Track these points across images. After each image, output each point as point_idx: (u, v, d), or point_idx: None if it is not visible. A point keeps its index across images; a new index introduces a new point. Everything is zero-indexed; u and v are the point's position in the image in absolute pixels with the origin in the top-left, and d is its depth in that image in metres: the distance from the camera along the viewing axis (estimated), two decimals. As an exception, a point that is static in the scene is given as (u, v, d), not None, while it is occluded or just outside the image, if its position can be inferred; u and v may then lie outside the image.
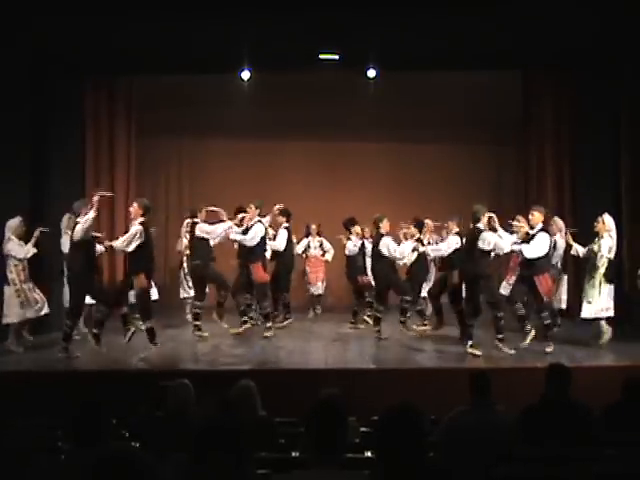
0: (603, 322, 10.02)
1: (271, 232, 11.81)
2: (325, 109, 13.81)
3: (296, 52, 11.43)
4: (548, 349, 9.41)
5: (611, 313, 9.99)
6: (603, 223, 10.11)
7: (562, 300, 10.81)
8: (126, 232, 9.99)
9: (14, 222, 10.09)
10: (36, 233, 10.18)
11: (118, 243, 9.70)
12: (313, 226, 13.31)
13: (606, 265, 10.03)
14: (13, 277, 10.01)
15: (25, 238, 10.15)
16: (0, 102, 10.75)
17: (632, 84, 11.63)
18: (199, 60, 11.73)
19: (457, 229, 10.79)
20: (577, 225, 11.45)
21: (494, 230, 9.73)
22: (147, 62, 11.90)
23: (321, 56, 11.65)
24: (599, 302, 9.97)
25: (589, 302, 10.03)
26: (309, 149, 14.77)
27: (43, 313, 10.26)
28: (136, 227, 9.47)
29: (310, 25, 10.46)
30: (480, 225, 9.57)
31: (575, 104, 12.80)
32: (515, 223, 10.22)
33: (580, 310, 10.19)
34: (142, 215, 9.59)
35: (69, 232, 10.73)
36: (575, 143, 12.87)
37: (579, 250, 10.41)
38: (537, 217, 9.73)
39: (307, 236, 13.32)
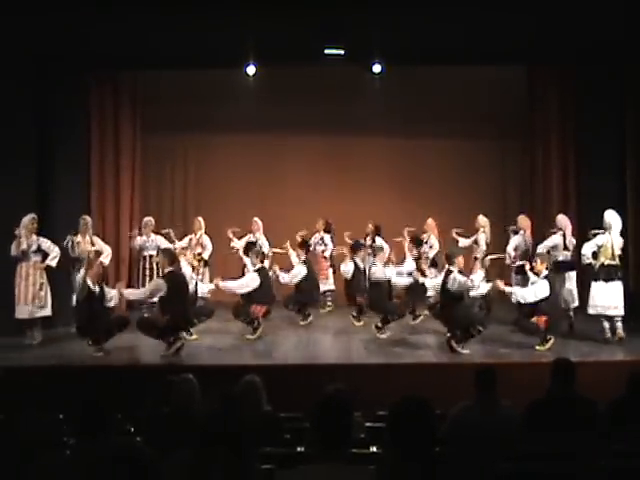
0: (605, 321, 10.06)
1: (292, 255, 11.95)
2: (330, 104, 13.80)
3: (301, 47, 11.39)
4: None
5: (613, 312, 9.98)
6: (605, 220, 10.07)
7: (574, 298, 10.74)
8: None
9: (24, 220, 10.13)
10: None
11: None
12: (321, 221, 13.23)
13: (589, 261, 10.03)
14: (17, 272, 10.09)
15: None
16: (4, 99, 10.76)
17: (636, 78, 11.59)
18: (204, 55, 11.71)
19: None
20: (582, 220, 11.43)
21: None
22: (152, 57, 11.87)
23: (326, 51, 11.61)
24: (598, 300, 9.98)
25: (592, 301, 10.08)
26: (314, 144, 14.74)
27: (40, 315, 10.25)
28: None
29: (315, 20, 10.43)
30: (452, 267, 9.63)
31: (580, 98, 12.75)
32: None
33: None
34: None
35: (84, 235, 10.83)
36: (580, 137, 12.83)
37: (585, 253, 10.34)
38: (540, 265, 9.73)
39: (315, 232, 13.25)
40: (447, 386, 7.54)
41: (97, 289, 9.56)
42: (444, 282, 9.66)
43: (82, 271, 9.59)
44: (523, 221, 11.46)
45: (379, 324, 10.50)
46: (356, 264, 11.53)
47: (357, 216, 13.37)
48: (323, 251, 13.22)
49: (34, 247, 10.20)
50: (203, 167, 15.04)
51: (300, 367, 8.91)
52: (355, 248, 11.76)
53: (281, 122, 14.10)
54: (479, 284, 9.78)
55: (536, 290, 9.47)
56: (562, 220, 10.96)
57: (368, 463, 3.54)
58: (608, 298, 9.92)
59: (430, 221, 12.60)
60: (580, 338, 10.05)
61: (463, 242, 12.14)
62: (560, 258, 10.71)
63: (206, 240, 12.37)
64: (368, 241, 12.62)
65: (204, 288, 10.92)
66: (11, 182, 10.82)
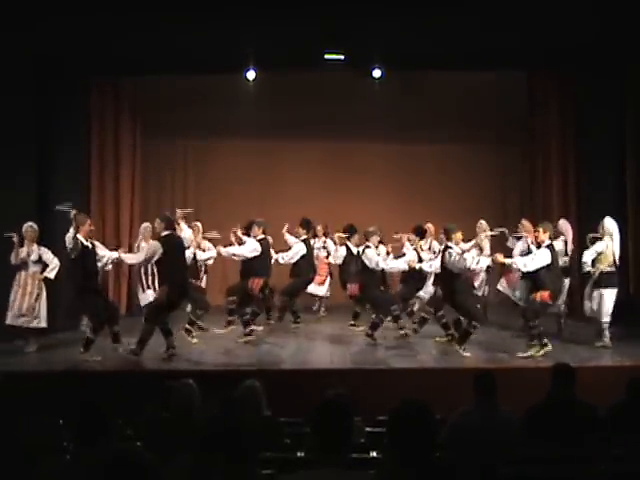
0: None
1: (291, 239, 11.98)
2: (330, 109, 13.81)
3: (301, 52, 11.43)
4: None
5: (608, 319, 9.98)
6: (602, 228, 10.05)
7: (564, 303, 10.74)
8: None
9: (24, 227, 10.14)
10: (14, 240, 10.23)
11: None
12: (319, 227, 13.20)
13: (585, 269, 10.03)
14: (15, 281, 10.10)
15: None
16: (5, 104, 10.78)
17: (636, 83, 11.61)
18: (204, 60, 11.74)
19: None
20: (582, 223, 11.44)
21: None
22: (152, 62, 11.90)
23: (326, 56, 11.64)
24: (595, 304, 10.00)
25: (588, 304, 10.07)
26: (314, 149, 14.76)
27: (33, 326, 10.20)
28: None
29: (315, 25, 10.46)
30: (450, 243, 9.71)
31: (580, 103, 12.77)
32: (523, 233, 10.24)
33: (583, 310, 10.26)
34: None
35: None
36: (580, 142, 12.85)
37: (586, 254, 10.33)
38: (542, 235, 9.70)
39: (313, 237, 13.19)
40: (447, 391, 7.53)
41: (90, 245, 9.53)
42: (442, 258, 9.67)
43: (71, 230, 9.49)
44: (526, 226, 11.46)
45: (369, 331, 10.40)
46: (349, 249, 11.43)
47: (356, 220, 13.34)
48: (327, 256, 13.19)
49: (34, 257, 10.17)
50: (203, 171, 15.05)
51: (300, 372, 8.91)
52: (348, 232, 11.71)
53: (281, 127, 14.11)
54: (478, 259, 9.72)
55: (537, 257, 9.42)
56: (563, 225, 10.97)
57: (368, 468, 3.54)
58: (606, 305, 9.93)
59: (430, 226, 12.59)
60: (579, 343, 10.05)
61: (461, 246, 12.09)
62: (560, 264, 10.71)
63: (207, 245, 12.38)
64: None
65: (204, 255, 10.95)
66: (11, 186, 10.82)
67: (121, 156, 13.48)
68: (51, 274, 10.27)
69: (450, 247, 9.63)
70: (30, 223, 10.22)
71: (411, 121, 14.16)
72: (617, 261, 10.02)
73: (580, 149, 12.85)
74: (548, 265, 9.36)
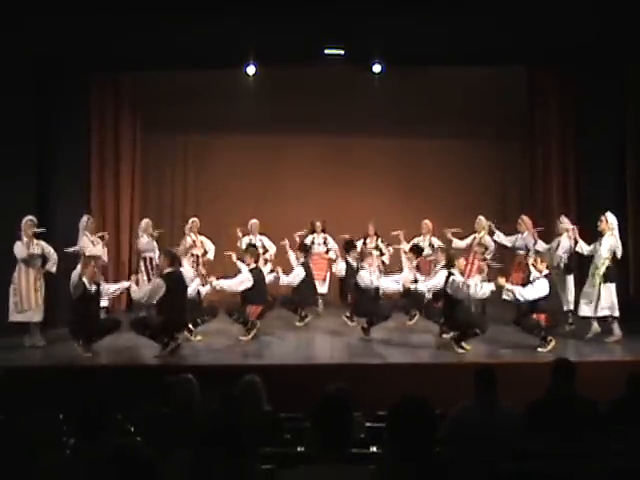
0: (596, 323, 10.10)
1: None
2: (330, 104, 13.78)
3: (301, 47, 11.40)
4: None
5: (609, 312, 9.99)
6: (606, 222, 10.08)
7: (569, 301, 10.76)
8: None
9: (23, 221, 10.12)
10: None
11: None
12: (317, 223, 13.19)
13: (606, 265, 10.02)
14: (15, 275, 10.08)
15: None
16: (5, 101, 10.77)
17: (636, 83, 11.59)
18: (204, 56, 11.72)
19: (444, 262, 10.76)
20: (582, 221, 11.44)
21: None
22: (152, 58, 11.88)
23: (326, 51, 11.62)
24: (599, 301, 9.98)
25: (588, 302, 10.06)
26: (314, 144, 14.75)
27: (34, 320, 10.18)
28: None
29: (315, 20, 10.44)
30: (453, 270, 9.69)
31: (580, 102, 12.75)
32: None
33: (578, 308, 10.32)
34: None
35: (87, 233, 10.82)
36: (580, 139, 12.83)
37: (583, 248, 10.38)
38: (541, 264, 9.73)
39: (312, 233, 13.19)
40: (447, 386, 7.54)
41: (93, 289, 9.57)
42: (445, 285, 9.67)
43: (78, 268, 9.54)
44: (526, 222, 11.48)
45: (364, 325, 10.45)
46: (348, 263, 11.58)
47: (356, 216, 13.39)
48: (326, 252, 13.19)
49: (37, 251, 10.19)
50: (203, 167, 15.04)
51: (300, 367, 8.91)
52: (347, 247, 11.79)
53: (281, 122, 14.09)
54: (481, 285, 9.75)
55: (536, 288, 9.47)
56: (565, 222, 10.99)
57: (368, 463, 3.54)
58: (612, 299, 9.97)
59: (427, 222, 12.61)
60: (580, 338, 10.05)
61: (457, 243, 12.11)
62: (556, 261, 10.75)
63: (206, 240, 12.39)
64: (368, 243, 12.64)
65: (203, 290, 10.93)
66: (11, 183, 10.81)
67: (121, 152, 13.45)
68: (53, 268, 10.30)
69: (453, 274, 9.63)
70: (30, 217, 10.21)
71: (411, 116, 14.14)
72: (619, 256, 10.08)
73: (580, 146, 12.83)
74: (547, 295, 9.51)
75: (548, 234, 11.52)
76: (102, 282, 9.99)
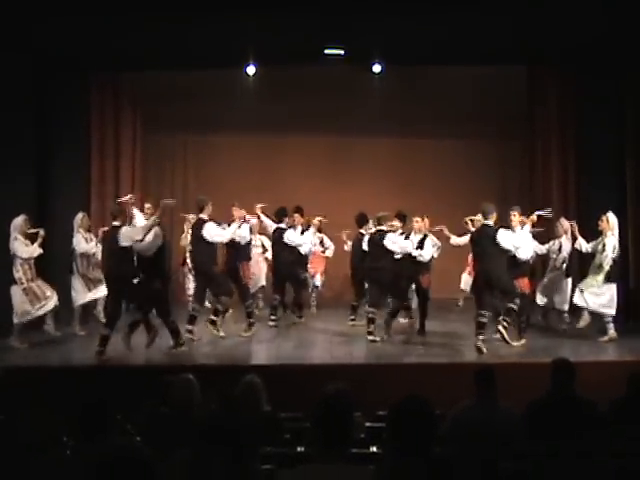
0: (587, 315, 10.14)
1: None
2: (330, 104, 13.79)
3: (301, 47, 11.41)
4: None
5: (614, 312, 9.99)
6: (607, 222, 10.09)
7: (565, 301, 10.75)
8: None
9: (18, 220, 10.08)
10: (41, 233, 10.18)
11: None
12: (315, 221, 13.15)
13: (611, 264, 10.02)
14: (20, 276, 10.02)
15: (31, 236, 10.16)
16: (4, 100, 10.77)
17: (636, 80, 11.59)
18: (204, 55, 11.73)
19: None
20: (582, 221, 11.43)
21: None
22: (152, 57, 11.89)
23: (326, 51, 11.63)
24: (599, 298, 9.98)
25: (583, 293, 10.06)
26: (314, 144, 14.75)
27: (53, 306, 10.21)
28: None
29: (315, 20, 10.44)
30: (489, 222, 9.46)
31: (580, 100, 12.75)
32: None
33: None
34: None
35: (82, 231, 10.80)
36: (580, 139, 12.83)
37: (582, 245, 10.38)
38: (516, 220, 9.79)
39: (307, 228, 13.13)
40: (447, 386, 7.53)
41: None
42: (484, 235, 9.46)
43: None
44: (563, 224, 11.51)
45: (369, 329, 10.32)
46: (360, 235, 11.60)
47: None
48: (323, 251, 13.22)
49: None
50: (203, 166, 15.05)
51: (300, 367, 8.91)
52: (359, 221, 11.74)
53: (281, 122, 14.10)
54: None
55: (517, 238, 9.46)
56: (565, 223, 10.99)
57: (368, 463, 3.54)
58: (613, 299, 9.98)
59: (425, 220, 12.58)
60: (579, 338, 10.05)
61: (456, 240, 12.08)
62: (559, 263, 10.75)
63: None
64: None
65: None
66: (11, 182, 10.81)
67: (121, 151, 13.46)
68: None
69: (490, 225, 9.42)
70: (24, 216, 10.19)
71: (411, 116, 14.14)
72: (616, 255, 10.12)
73: (580, 144, 12.82)
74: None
75: (547, 235, 11.52)
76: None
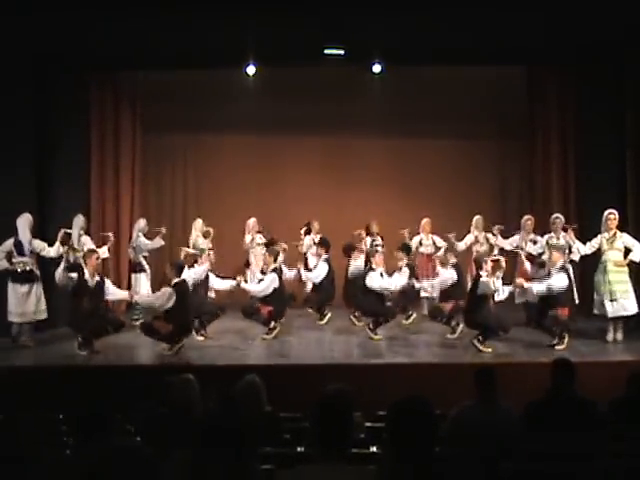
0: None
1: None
2: (330, 104, 13.78)
3: (301, 47, 11.41)
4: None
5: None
6: (616, 218, 10.06)
7: None
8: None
9: (29, 218, 10.10)
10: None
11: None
12: (315, 224, 13.15)
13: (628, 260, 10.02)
14: (39, 274, 10.11)
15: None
16: (4, 100, 10.76)
17: (636, 81, 11.59)
18: (204, 55, 11.71)
19: (454, 260, 10.78)
20: (582, 220, 11.44)
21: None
22: (152, 57, 11.89)
23: (326, 51, 11.61)
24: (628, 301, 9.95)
25: (613, 300, 9.98)
26: (314, 144, 14.73)
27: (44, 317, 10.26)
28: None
29: (315, 20, 10.43)
30: (482, 272, 9.68)
31: (580, 99, 12.75)
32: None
33: (601, 307, 10.14)
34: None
35: (82, 232, 10.80)
36: (580, 138, 12.82)
37: (580, 249, 10.32)
38: (556, 257, 9.73)
39: (308, 234, 13.13)
40: (447, 386, 7.54)
41: (94, 282, 9.57)
42: (474, 287, 9.71)
43: (61, 266, 9.61)
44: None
45: (371, 326, 10.44)
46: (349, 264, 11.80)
47: (356, 216, 13.38)
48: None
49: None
50: (203, 167, 15.02)
51: (300, 367, 8.92)
52: (347, 251, 11.81)
53: (281, 122, 14.08)
54: (503, 288, 9.72)
55: (553, 282, 9.48)
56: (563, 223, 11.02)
57: (368, 463, 3.54)
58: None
59: (428, 220, 12.58)
60: (579, 338, 10.04)
61: (459, 245, 12.09)
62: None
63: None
64: (369, 241, 12.62)
65: (224, 285, 10.97)
66: (10, 182, 10.81)
67: (120, 151, 13.44)
68: None
69: (481, 275, 9.65)
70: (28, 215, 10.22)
71: (411, 116, 14.13)
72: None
73: (580, 147, 12.82)
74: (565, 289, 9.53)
75: (543, 228, 11.53)
76: (106, 279, 10.00)
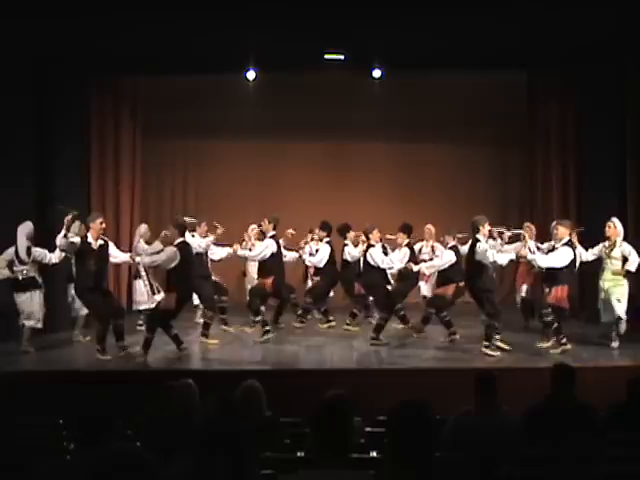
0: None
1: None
2: (330, 109, 13.81)
3: (301, 52, 11.43)
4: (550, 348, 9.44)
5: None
6: (615, 227, 10.06)
7: None
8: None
9: (29, 227, 10.09)
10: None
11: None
12: (317, 230, 13.13)
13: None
14: (40, 282, 10.08)
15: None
16: (5, 103, 10.77)
17: (636, 81, 11.60)
18: (205, 60, 11.74)
19: (453, 243, 10.77)
20: (582, 222, 11.42)
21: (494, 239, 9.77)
22: (152, 62, 11.90)
23: (326, 56, 11.65)
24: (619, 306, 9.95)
25: (619, 300, 9.95)
26: (314, 149, 14.76)
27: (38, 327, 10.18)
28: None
29: (315, 25, 10.46)
30: (479, 236, 9.57)
31: (580, 102, 12.77)
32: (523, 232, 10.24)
33: (602, 315, 10.15)
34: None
35: (78, 237, 10.79)
36: (580, 143, 12.84)
37: (582, 254, 10.33)
38: (562, 231, 9.70)
39: (311, 240, 13.09)
40: (447, 391, 7.53)
41: (98, 245, 9.57)
42: (472, 251, 9.57)
43: (62, 232, 9.61)
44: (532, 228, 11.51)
45: (373, 334, 10.35)
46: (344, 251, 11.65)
47: (357, 220, 13.36)
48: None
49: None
50: (203, 171, 15.04)
51: (300, 372, 8.91)
52: (342, 231, 11.75)
53: (281, 127, 14.11)
54: (502, 256, 9.68)
55: (560, 255, 9.46)
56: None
57: (368, 468, 3.54)
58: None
59: (430, 227, 12.55)
60: (579, 343, 10.03)
61: (463, 250, 12.09)
62: None
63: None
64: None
65: (222, 253, 11.15)
66: (11, 185, 10.80)
67: (121, 155, 13.47)
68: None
69: (479, 240, 9.54)
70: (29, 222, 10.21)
71: (411, 121, 14.16)
72: None
73: (580, 149, 12.84)
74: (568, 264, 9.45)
75: (543, 236, 11.52)
76: (110, 242, 10.00)
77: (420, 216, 13.13)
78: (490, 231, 9.72)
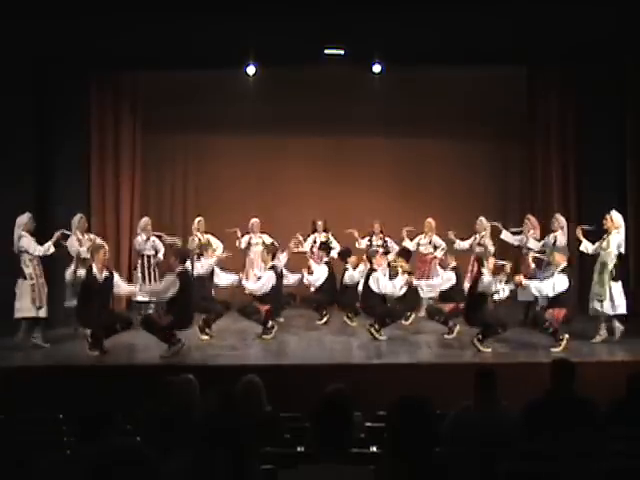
0: (616, 320, 10.04)
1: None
2: (330, 104, 13.79)
3: (301, 47, 11.41)
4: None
5: (623, 310, 9.99)
6: (611, 220, 10.08)
7: None
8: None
9: (23, 218, 10.07)
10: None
11: None
12: (319, 222, 13.16)
13: (615, 262, 10.01)
14: (30, 272, 10.01)
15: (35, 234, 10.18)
16: (4, 101, 10.76)
17: (636, 81, 11.59)
18: (204, 56, 11.73)
19: (454, 264, 10.81)
20: (582, 220, 11.43)
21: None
22: (152, 58, 11.89)
23: (326, 51, 11.63)
24: (614, 300, 9.95)
25: (600, 300, 9.98)
26: (315, 144, 14.74)
27: (43, 316, 10.16)
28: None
29: (315, 20, 10.44)
30: (483, 269, 9.71)
31: (580, 100, 12.76)
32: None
33: (589, 307, 10.18)
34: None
35: (78, 233, 10.79)
36: (580, 140, 12.84)
37: (588, 247, 10.36)
38: (558, 258, 9.76)
39: (313, 232, 13.16)
40: (447, 386, 7.54)
41: (103, 277, 9.55)
42: (474, 284, 9.73)
43: (71, 267, 9.58)
44: (532, 221, 11.50)
45: (376, 326, 10.40)
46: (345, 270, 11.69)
47: (357, 215, 13.41)
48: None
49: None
50: (203, 167, 15.02)
51: (300, 367, 8.91)
52: (343, 256, 11.79)
53: (281, 122, 14.09)
54: (503, 287, 9.73)
55: (555, 283, 9.48)
56: (561, 219, 11.03)
57: (368, 463, 3.54)
58: (621, 297, 9.99)
59: (430, 221, 12.57)
60: (579, 338, 10.03)
61: (460, 244, 12.11)
62: None
63: (213, 239, 12.32)
64: (374, 241, 12.64)
65: (227, 280, 11.02)
66: (11, 183, 10.81)
67: (121, 151, 13.45)
68: None
69: (483, 273, 9.67)
70: (29, 214, 10.19)
71: (411, 116, 14.13)
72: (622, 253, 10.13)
73: (580, 147, 12.85)
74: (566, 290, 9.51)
75: (543, 231, 11.53)
76: (115, 273, 9.97)
77: (420, 211, 13.16)
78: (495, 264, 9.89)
